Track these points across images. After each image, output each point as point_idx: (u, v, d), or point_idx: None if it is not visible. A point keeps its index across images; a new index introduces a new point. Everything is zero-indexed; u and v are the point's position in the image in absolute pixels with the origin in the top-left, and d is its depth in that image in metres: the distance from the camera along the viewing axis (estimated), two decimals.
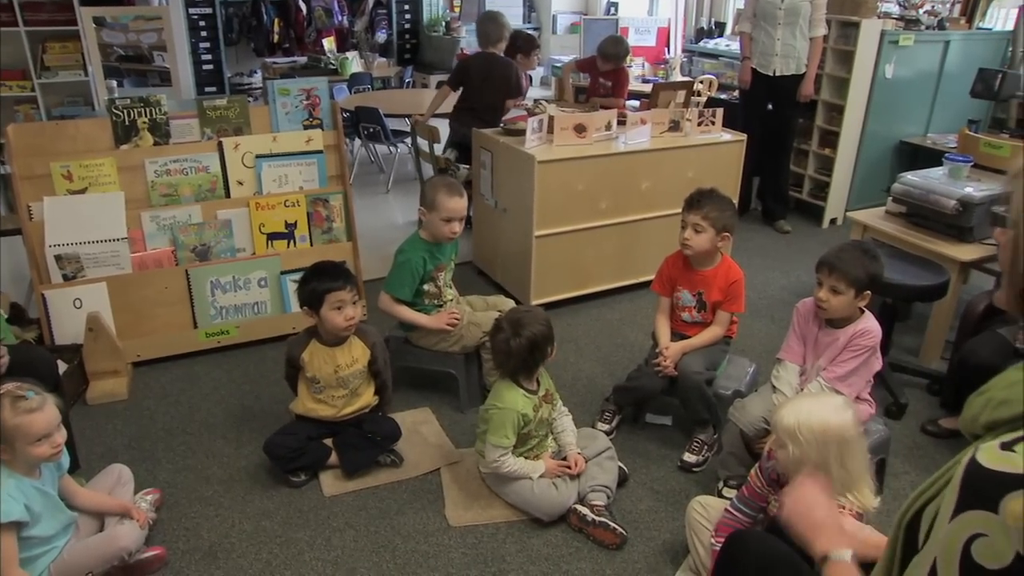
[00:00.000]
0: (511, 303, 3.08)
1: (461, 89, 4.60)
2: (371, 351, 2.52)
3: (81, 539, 2.03)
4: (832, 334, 2.33)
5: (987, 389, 0.94)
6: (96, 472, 2.27)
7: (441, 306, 2.88)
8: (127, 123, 3.03)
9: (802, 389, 2.35)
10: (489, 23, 4.60)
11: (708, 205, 2.56)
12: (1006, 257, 0.94)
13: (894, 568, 1.08)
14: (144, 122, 3.05)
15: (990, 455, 0.85)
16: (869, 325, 2.30)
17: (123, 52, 7.09)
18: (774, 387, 2.40)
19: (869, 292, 2.26)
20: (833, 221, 5.14)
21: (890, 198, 3.48)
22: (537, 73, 9.79)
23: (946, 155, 3.58)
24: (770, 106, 4.84)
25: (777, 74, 4.64)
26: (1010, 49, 5.11)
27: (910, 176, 3.40)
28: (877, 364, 2.34)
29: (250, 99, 3.50)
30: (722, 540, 1.81)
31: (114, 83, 5.28)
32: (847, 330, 2.30)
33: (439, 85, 5.31)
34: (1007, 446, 0.84)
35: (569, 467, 2.35)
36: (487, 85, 4.48)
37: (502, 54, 4.59)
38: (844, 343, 2.30)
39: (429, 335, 2.85)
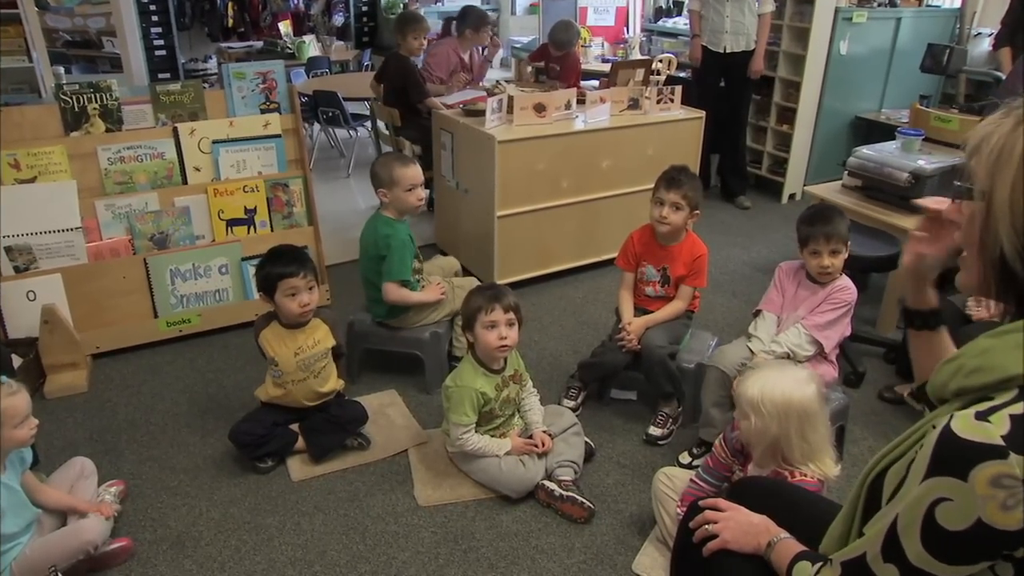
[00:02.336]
0: (455, 261, 3.21)
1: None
2: (336, 340, 2.53)
3: (44, 534, 2.00)
4: (812, 288, 2.45)
5: (958, 356, 0.95)
6: (57, 467, 2.23)
7: (420, 281, 2.89)
8: (77, 109, 2.95)
9: (778, 335, 2.44)
10: (394, 24, 4.61)
11: (687, 184, 2.61)
12: (971, 232, 0.95)
13: (854, 523, 1.12)
14: (95, 108, 2.98)
15: (964, 424, 0.86)
16: (848, 283, 2.44)
17: (70, 37, 6.90)
18: (750, 335, 2.49)
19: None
20: (792, 196, 5.23)
21: (846, 172, 3.54)
22: (497, 55, 9.73)
23: (899, 129, 3.66)
24: (723, 83, 4.88)
25: (727, 51, 4.68)
26: (958, 26, 5.22)
27: (865, 150, 3.46)
28: (848, 329, 2.47)
29: (205, 84, 3.43)
30: (686, 510, 1.85)
31: (61, 69, 5.13)
32: (827, 287, 2.43)
33: None
34: (982, 416, 0.86)
35: (535, 445, 2.37)
36: (393, 88, 4.51)
37: (409, 55, 4.57)
38: (823, 297, 2.42)
39: (421, 312, 2.85)
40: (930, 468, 0.89)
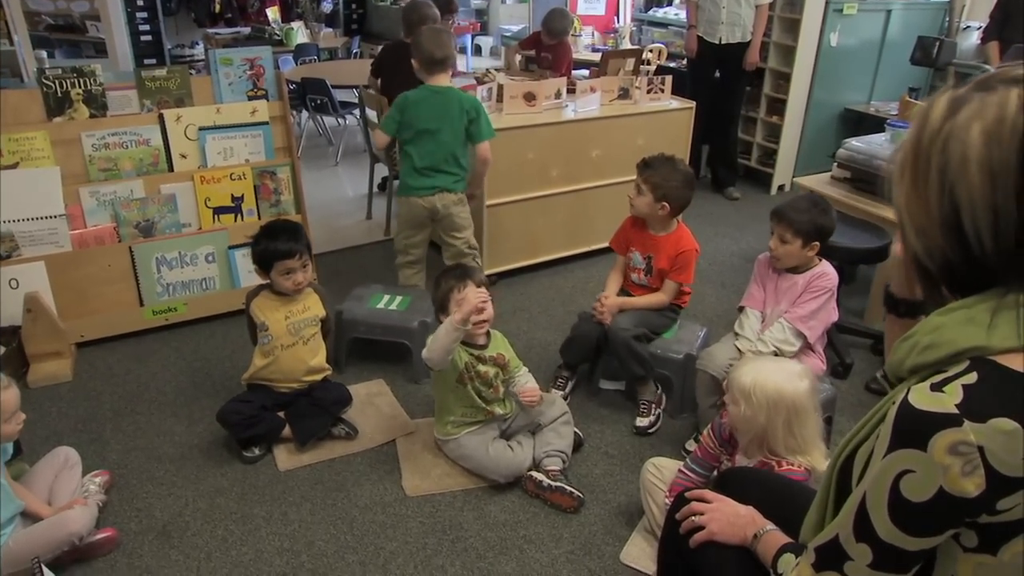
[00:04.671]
0: None
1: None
2: (325, 310, 2.57)
3: (27, 524, 1.97)
4: (791, 279, 2.43)
5: (912, 334, 0.98)
6: (41, 457, 2.21)
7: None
8: (60, 94, 2.90)
9: (763, 332, 2.43)
10: (409, 13, 4.33)
11: (652, 170, 2.59)
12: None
13: (828, 509, 1.13)
14: (78, 93, 2.93)
15: (921, 396, 0.90)
16: (826, 269, 2.41)
17: (53, 21, 6.81)
18: (736, 334, 2.48)
19: (817, 243, 2.35)
20: (781, 187, 5.24)
21: (835, 164, 3.55)
22: (487, 43, 9.70)
23: (888, 121, 3.67)
24: (717, 74, 4.88)
25: (723, 42, 4.66)
26: (947, 19, 5.23)
27: (854, 142, 3.47)
28: (835, 314, 2.44)
29: (192, 70, 3.38)
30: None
31: (44, 53, 5.06)
32: (805, 275, 2.41)
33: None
34: (937, 387, 0.89)
35: (534, 398, 2.37)
36: (402, 77, 4.37)
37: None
38: (803, 286, 2.40)
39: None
40: (892, 442, 0.91)
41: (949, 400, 0.87)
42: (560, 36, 4.96)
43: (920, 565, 0.96)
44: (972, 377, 0.88)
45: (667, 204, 2.60)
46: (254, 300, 2.50)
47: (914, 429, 0.89)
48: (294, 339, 2.49)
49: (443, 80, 2.95)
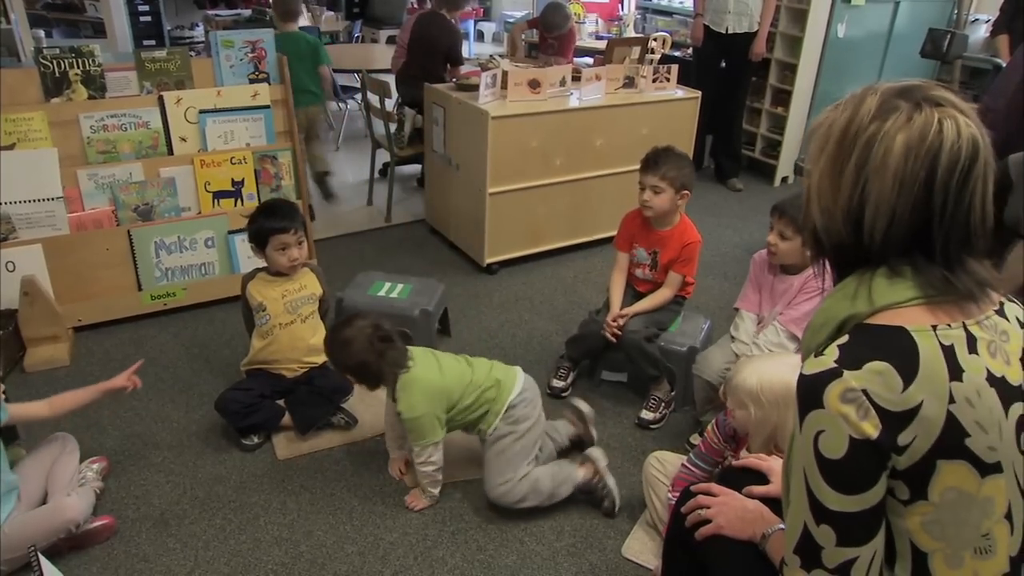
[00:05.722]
0: None
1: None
2: (323, 288, 2.57)
3: (23, 511, 1.95)
4: (787, 280, 2.37)
5: (811, 323, 1.10)
6: (39, 442, 2.18)
7: None
8: (57, 75, 2.86)
9: (758, 335, 2.39)
10: None
11: (665, 165, 2.53)
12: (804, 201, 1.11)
13: None
14: (76, 74, 2.89)
15: (808, 365, 1.02)
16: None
17: (50, 0, 6.72)
18: (732, 337, 2.45)
19: None
20: (784, 179, 5.20)
21: None
22: (489, 29, 9.64)
23: None
24: (723, 64, 4.83)
25: (730, 32, 4.62)
26: (955, 11, 5.19)
27: None
28: None
29: (192, 52, 3.34)
30: (678, 495, 1.84)
31: (41, 33, 4.99)
32: (801, 276, 2.35)
33: (390, 40, 5.20)
34: (818, 353, 1.02)
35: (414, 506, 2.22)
36: (430, 48, 4.42)
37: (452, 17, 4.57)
38: (799, 287, 2.34)
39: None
40: (800, 413, 1.02)
41: (828, 359, 0.99)
42: (557, 30, 4.92)
43: (880, 531, 1.01)
44: (845, 338, 1.01)
45: (687, 191, 2.59)
46: (250, 282, 2.49)
47: (810, 392, 1.00)
48: (292, 316, 2.47)
49: (292, 27, 4.07)
